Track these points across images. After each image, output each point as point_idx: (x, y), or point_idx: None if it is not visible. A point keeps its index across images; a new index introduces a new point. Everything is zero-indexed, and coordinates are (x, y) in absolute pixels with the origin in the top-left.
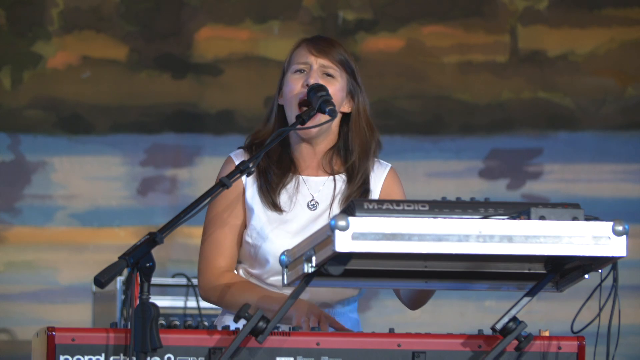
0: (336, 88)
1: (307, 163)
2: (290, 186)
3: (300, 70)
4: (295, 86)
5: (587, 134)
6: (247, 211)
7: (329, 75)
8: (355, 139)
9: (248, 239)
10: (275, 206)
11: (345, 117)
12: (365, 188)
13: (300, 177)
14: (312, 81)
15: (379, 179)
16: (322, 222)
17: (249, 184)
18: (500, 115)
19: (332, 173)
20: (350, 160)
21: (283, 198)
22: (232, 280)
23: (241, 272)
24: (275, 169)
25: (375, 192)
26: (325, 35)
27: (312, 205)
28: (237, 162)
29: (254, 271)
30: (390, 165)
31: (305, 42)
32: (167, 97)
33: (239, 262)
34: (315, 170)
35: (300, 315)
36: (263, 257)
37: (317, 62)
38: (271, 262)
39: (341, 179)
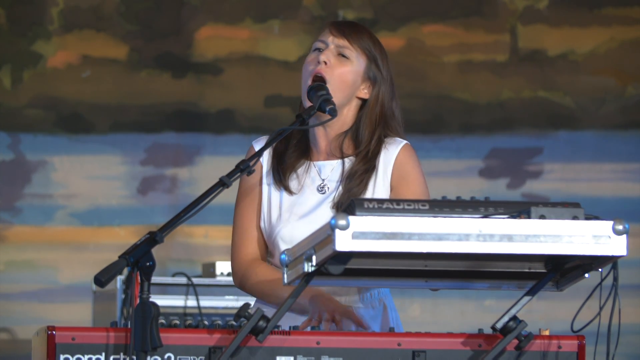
0: (348, 69)
1: (320, 148)
2: (301, 170)
3: (318, 49)
4: (310, 64)
5: (587, 133)
6: (261, 194)
7: (343, 55)
8: (367, 126)
9: (262, 223)
10: (286, 188)
11: (364, 103)
12: (370, 165)
13: (311, 162)
14: (323, 58)
15: (391, 155)
16: (330, 203)
17: (266, 166)
18: (500, 114)
19: (342, 157)
20: (360, 146)
21: (293, 181)
22: (262, 270)
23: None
24: (292, 152)
25: (386, 170)
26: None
27: (321, 189)
28: (256, 149)
29: (271, 259)
30: (405, 141)
31: (329, 23)
32: (167, 96)
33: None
34: (326, 155)
35: (318, 309)
36: (275, 243)
37: (333, 42)
38: (282, 247)
39: (350, 161)
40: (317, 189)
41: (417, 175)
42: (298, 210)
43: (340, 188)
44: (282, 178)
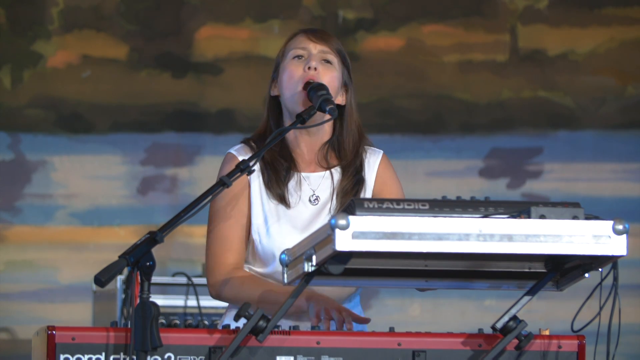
0: (334, 76)
1: (306, 158)
2: (292, 182)
3: (298, 56)
4: (296, 71)
5: (587, 133)
6: (251, 205)
7: (327, 61)
8: (349, 133)
9: (254, 235)
10: (282, 199)
11: (338, 109)
12: (358, 178)
13: (300, 174)
14: (313, 63)
15: (373, 165)
16: (324, 215)
17: (254, 177)
18: (500, 114)
19: (328, 167)
20: (344, 155)
21: (287, 193)
22: (244, 277)
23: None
24: (282, 163)
25: (370, 180)
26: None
27: (314, 200)
28: (238, 157)
29: (260, 270)
30: (382, 151)
31: (303, 31)
32: (167, 96)
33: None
34: (314, 166)
35: (318, 308)
36: (270, 253)
37: (316, 48)
38: (277, 257)
39: (337, 172)
40: (309, 201)
41: (396, 180)
42: (294, 222)
43: (334, 202)
44: (281, 187)
